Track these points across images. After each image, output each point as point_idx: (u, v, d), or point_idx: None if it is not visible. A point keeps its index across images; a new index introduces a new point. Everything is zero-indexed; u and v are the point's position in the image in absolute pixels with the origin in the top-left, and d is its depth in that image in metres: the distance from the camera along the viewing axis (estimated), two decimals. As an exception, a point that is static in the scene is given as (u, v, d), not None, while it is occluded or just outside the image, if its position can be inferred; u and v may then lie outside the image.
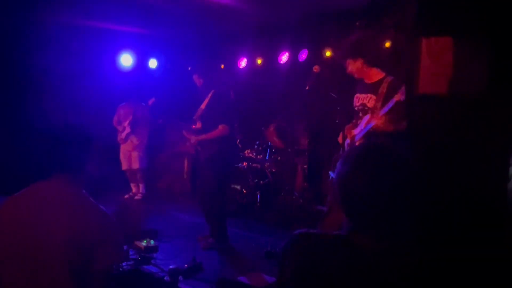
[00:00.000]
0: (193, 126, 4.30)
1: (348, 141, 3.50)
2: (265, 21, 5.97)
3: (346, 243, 1.15)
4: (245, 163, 6.05)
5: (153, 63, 7.47)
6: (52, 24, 5.81)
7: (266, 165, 5.99)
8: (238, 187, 5.85)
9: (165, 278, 3.22)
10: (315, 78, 4.55)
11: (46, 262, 1.45)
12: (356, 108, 3.46)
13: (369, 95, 3.33)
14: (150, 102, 6.47)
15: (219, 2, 5.23)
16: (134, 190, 6.65)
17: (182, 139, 4.36)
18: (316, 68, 4.54)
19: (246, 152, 6.21)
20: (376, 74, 3.36)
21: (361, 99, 3.40)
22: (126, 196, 6.53)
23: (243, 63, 6.94)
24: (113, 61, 7.07)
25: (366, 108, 3.37)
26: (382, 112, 3.16)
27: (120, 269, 3.32)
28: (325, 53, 5.92)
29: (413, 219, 1.17)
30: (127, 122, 6.34)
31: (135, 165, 6.43)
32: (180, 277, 3.20)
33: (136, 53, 7.27)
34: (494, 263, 1.46)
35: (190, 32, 6.81)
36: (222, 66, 7.23)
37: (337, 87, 5.55)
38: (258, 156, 6.09)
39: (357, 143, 3.38)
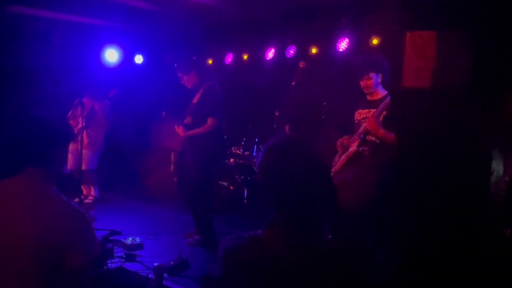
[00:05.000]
0: (184, 121, 4.26)
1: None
2: (251, 16, 5.94)
3: (257, 242, 1.19)
4: (232, 160, 6.02)
5: (139, 59, 7.40)
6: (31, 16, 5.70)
7: (253, 161, 5.97)
8: (225, 183, 5.82)
9: (150, 276, 3.19)
10: (301, 74, 4.56)
11: (14, 261, 1.41)
12: (356, 121, 3.63)
13: (371, 110, 3.51)
14: (111, 94, 5.71)
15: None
16: (85, 192, 5.93)
17: (169, 134, 4.30)
18: (302, 64, 4.55)
19: (233, 148, 6.19)
20: (381, 92, 3.57)
21: (362, 114, 3.59)
22: (77, 199, 5.56)
23: (229, 58, 6.91)
24: (98, 56, 6.97)
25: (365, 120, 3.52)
26: (375, 113, 3.38)
27: (105, 267, 3.28)
28: (311, 49, 5.91)
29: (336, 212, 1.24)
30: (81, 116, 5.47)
31: (83, 165, 5.59)
32: (165, 275, 3.16)
33: (122, 49, 7.17)
34: (475, 258, 1.46)
35: (175, 28, 6.74)
36: (210, 61, 7.20)
37: (323, 82, 5.57)
38: (245, 153, 6.07)
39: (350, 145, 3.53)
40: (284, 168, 1.18)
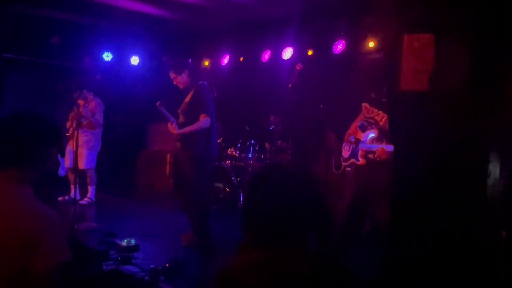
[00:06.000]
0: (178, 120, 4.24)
1: (352, 138, 3.49)
2: (247, 18, 5.94)
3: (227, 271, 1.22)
4: (228, 162, 6.01)
5: (135, 60, 7.39)
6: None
7: (249, 163, 5.96)
8: (221, 185, 5.81)
9: (145, 278, 3.17)
10: (297, 76, 4.55)
11: None
12: (365, 119, 3.47)
13: (381, 113, 3.34)
14: (97, 78, 5.71)
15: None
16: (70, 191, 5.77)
17: (165, 134, 4.29)
18: (298, 66, 4.55)
19: (229, 150, 6.18)
20: None
21: (371, 112, 3.42)
22: (60, 198, 5.61)
23: (225, 60, 6.91)
24: (93, 56, 6.95)
25: (375, 122, 3.38)
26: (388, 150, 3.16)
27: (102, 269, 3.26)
28: (308, 52, 5.92)
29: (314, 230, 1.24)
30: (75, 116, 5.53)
31: (81, 165, 5.55)
32: (161, 277, 3.15)
33: (118, 50, 7.16)
34: (472, 259, 1.47)
35: (172, 29, 6.73)
36: (207, 63, 7.20)
37: (320, 85, 5.57)
38: (241, 154, 6.07)
39: (359, 155, 3.40)
40: (265, 193, 1.22)
